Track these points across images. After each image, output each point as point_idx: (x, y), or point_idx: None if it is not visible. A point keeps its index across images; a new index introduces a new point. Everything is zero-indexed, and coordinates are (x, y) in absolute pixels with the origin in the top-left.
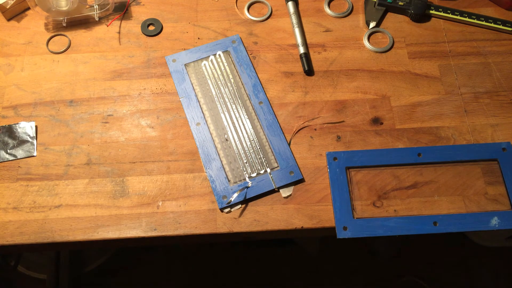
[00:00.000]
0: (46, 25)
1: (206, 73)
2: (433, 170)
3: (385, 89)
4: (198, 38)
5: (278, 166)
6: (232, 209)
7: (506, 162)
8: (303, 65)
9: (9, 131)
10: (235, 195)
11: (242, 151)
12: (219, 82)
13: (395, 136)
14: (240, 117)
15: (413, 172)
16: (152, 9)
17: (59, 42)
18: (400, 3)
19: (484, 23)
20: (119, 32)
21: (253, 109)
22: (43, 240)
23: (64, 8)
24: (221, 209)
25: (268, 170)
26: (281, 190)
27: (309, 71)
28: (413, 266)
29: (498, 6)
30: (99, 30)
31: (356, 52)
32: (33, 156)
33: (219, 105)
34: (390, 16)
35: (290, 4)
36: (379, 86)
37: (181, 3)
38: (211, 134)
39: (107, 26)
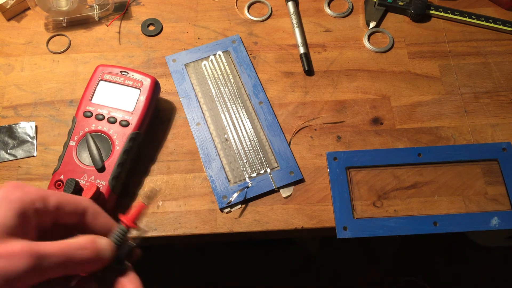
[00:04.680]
0: (46, 25)
1: (206, 73)
2: (433, 170)
3: (385, 89)
4: (198, 38)
5: (278, 166)
6: (232, 209)
7: (506, 162)
8: (303, 65)
9: (9, 131)
10: (235, 195)
11: (242, 151)
12: (219, 82)
13: (395, 136)
14: (240, 117)
15: (413, 172)
16: (152, 9)
17: (59, 42)
18: (400, 3)
19: (484, 23)
20: (119, 32)
21: (253, 109)
22: None
23: (64, 8)
24: (221, 209)
25: (268, 170)
26: (281, 190)
27: (309, 71)
28: (413, 266)
29: (498, 6)
30: (99, 30)
31: (356, 52)
32: (33, 156)
33: (219, 105)
34: (390, 16)
35: (290, 4)
36: (379, 86)
37: (181, 3)
38: (211, 134)
39: (107, 26)
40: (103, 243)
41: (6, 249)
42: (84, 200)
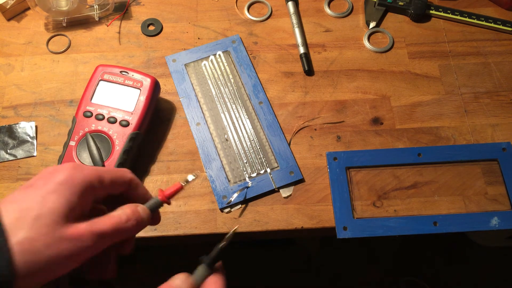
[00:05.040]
0: (46, 25)
1: (206, 73)
2: (433, 170)
3: (385, 89)
4: (198, 38)
5: (278, 166)
6: (232, 209)
7: (506, 162)
8: (303, 65)
9: (9, 131)
10: (235, 195)
11: (242, 151)
12: (219, 82)
13: (395, 136)
14: (240, 117)
15: (413, 172)
16: (152, 9)
17: (59, 42)
18: (400, 3)
19: (484, 23)
20: (119, 32)
21: (253, 109)
22: None
23: (64, 8)
24: (221, 209)
25: (268, 170)
26: (281, 190)
27: (309, 71)
28: (413, 266)
29: (498, 6)
30: (99, 30)
31: (356, 52)
32: (33, 156)
33: (219, 105)
34: (390, 16)
35: (290, 4)
36: (379, 86)
37: (181, 3)
38: (211, 134)
39: (107, 26)
40: (142, 212)
41: (74, 231)
42: (129, 173)
